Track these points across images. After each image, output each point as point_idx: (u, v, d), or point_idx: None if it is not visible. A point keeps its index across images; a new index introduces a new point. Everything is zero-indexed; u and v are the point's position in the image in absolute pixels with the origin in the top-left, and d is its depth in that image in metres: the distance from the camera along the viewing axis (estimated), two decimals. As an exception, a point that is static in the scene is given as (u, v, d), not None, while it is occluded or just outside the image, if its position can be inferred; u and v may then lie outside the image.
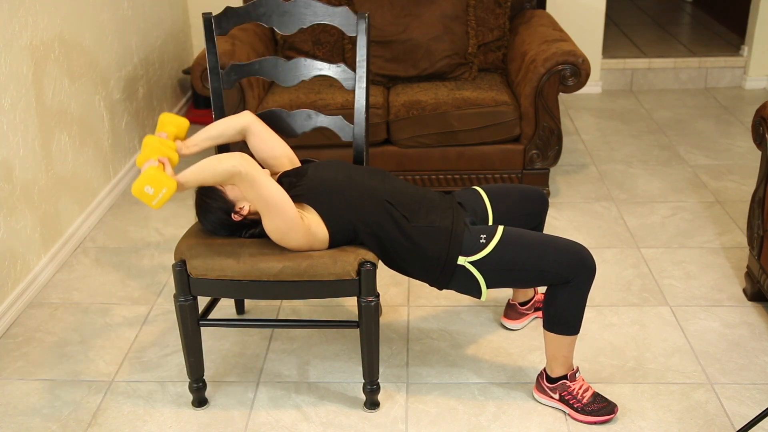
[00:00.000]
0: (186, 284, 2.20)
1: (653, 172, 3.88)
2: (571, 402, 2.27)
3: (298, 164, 2.42)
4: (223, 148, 2.54)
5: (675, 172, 3.87)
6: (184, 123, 2.30)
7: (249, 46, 3.51)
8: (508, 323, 2.69)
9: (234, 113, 3.27)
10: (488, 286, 2.19)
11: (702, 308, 2.79)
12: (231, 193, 2.17)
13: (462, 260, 2.16)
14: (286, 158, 2.39)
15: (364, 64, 2.45)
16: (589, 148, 4.18)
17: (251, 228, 2.23)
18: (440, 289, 2.26)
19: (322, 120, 2.51)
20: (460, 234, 2.18)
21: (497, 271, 2.16)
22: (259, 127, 2.36)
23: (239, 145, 2.51)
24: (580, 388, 2.28)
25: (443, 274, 2.20)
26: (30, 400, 2.39)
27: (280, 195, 2.06)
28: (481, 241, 2.17)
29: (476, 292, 2.20)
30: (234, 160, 2.00)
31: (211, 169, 2.02)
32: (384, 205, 2.19)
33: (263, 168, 2.26)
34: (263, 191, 2.03)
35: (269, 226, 2.11)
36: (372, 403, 2.33)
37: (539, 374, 2.34)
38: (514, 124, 3.39)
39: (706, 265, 3.06)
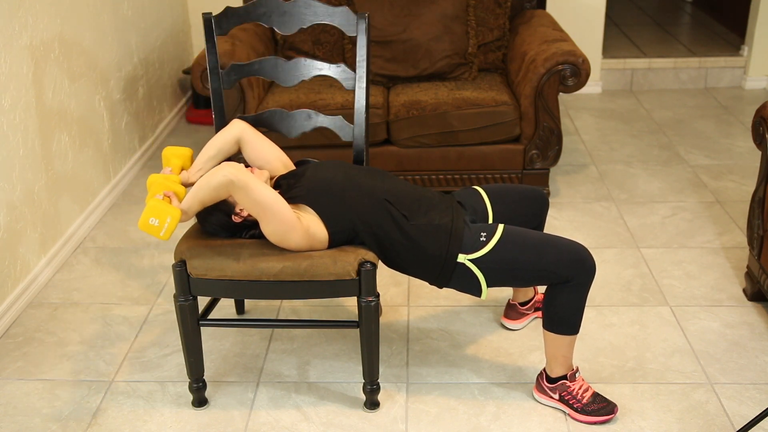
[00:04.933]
0: (186, 284, 2.20)
1: (653, 172, 3.88)
2: (571, 402, 2.27)
3: (292, 167, 2.42)
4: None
5: (675, 172, 3.87)
6: (187, 153, 2.33)
7: (249, 46, 3.51)
8: (508, 323, 2.69)
9: (234, 113, 3.30)
10: (488, 285, 2.19)
11: (702, 308, 2.79)
12: (230, 194, 2.18)
13: (462, 258, 2.16)
14: (280, 162, 2.39)
15: (364, 64, 2.45)
16: (589, 148, 4.18)
17: (251, 229, 2.23)
18: (440, 287, 2.26)
19: (322, 120, 2.51)
20: (460, 232, 2.18)
21: (497, 270, 2.16)
22: (250, 134, 2.37)
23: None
24: (580, 388, 2.28)
25: (443, 272, 2.20)
26: (30, 400, 2.39)
27: (274, 198, 2.06)
28: (481, 239, 2.17)
29: (476, 291, 2.20)
30: (224, 170, 2.02)
31: (206, 187, 2.05)
32: (383, 204, 2.19)
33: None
34: (257, 196, 2.04)
35: (267, 229, 2.11)
36: (372, 403, 2.33)
37: (539, 374, 2.34)
38: (514, 124, 3.39)
39: (706, 265, 3.06)
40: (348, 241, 2.20)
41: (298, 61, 2.47)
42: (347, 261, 2.15)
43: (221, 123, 2.52)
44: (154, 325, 2.75)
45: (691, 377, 2.44)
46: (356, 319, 2.33)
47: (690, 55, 5.13)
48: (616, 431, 2.23)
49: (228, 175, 2.01)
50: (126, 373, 2.51)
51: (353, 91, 2.48)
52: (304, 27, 2.46)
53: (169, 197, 2.10)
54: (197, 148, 4.22)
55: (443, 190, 3.40)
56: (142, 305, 2.87)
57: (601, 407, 2.26)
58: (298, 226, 2.11)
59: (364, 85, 2.46)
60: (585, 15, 4.81)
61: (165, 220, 2.03)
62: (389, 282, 2.98)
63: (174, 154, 2.31)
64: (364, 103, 2.47)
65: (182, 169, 2.31)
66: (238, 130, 2.36)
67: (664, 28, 5.98)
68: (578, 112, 4.72)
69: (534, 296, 2.70)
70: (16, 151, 2.81)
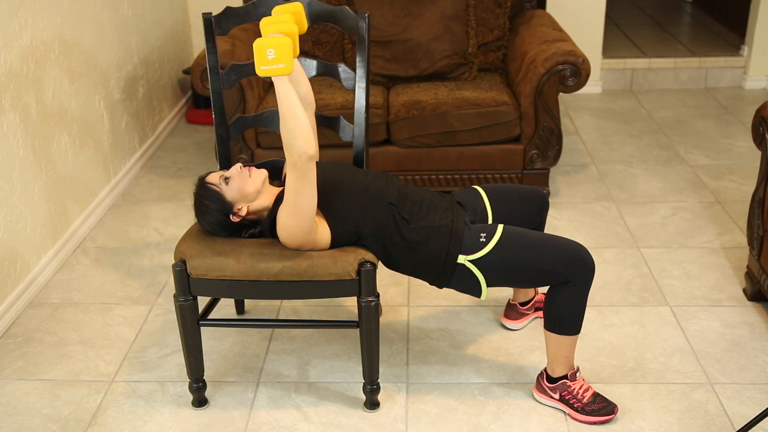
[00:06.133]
0: (186, 284, 2.20)
1: (653, 172, 3.88)
2: (571, 402, 2.27)
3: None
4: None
5: (675, 172, 3.87)
6: (304, 27, 2.18)
7: (249, 46, 3.51)
8: (509, 323, 2.69)
9: (234, 113, 3.30)
10: (488, 285, 2.19)
11: (702, 308, 2.79)
12: (228, 194, 2.17)
13: (462, 259, 2.17)
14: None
15: (364, 64, 2.45)
16: (589, 148, 4.18)
17: (250, 228, 2.23)
18: (440, 287, 2.26)
19: (322, 120, 2.51)
20: (460, 232, 2.18)
21: (497, 270, 2.16)
22: (313, 118, 2.39)
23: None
24: (580, 388, 2.28)
25: (443, 273, 2.20)
26: (30, 400, 2.39)
27: (311, 205, 2.05)
28: (481, 239, 2.17)
29: (476, 291, 2.20)
30: (307, 152, 1.96)
31: (296, 126, 1.96)
32: (388, 207, 2.19)
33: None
34: (302, 193, 2.02)
35: (283, 219, 2.10)
36: (372, 403, 2.33)
37: (539, 374, 2.34)
38: (514, 124, 3.39)
39: (706, 265, 3.06)
40: (349, 243, 2.21)
41: (298, 61, 2.47)
42: (347, 261, 2.15)
43: (221, 123, 2.52)
44: (154, 325, 2.75)
45: (691, 377, 2.44)
46: (356, 319, 2.33)
47: (690, 55, 5.13)
48: (616, 431, 2.23)
49: (302, 158, 1.96)
50: (126, 373, 2.51)
51: (353, 91, 2.48)
52: (304, 27, 2.46)
53: (291, 47, 1.97)
54: (198, 148, 4.23)
55: (443, 190, 3.40)
56: (142, 305, 2.87)
57: (602, 407, 2.26)
58: (309, 234, 2.11)
59: (364, 85, 2.46)
60: (585, 15, 4.81)
61: (279, 63, 1.90)
62: (389, 282, 2.98)
63: (301, 18, 2.14)
64: (364, 103, 2.47)
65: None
66: (313, 104, 2.37)
67: (664, 28, 5.98)
68: (578, 112, 4.71)
69: (534, 296, 2.70)
70: (16, 151, 2.81)
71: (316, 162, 2.37)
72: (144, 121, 4.07)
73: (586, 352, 2.56)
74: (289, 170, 2.02)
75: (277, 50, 1.91)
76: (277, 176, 2.47)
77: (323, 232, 2.16)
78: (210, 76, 2.49)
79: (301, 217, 2.06)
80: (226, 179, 2.18)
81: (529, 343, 2.62)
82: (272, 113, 2.51)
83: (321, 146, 3.34)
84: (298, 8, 2.16)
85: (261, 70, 1.94)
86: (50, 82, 3.06)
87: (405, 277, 3.00)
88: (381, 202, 2.19)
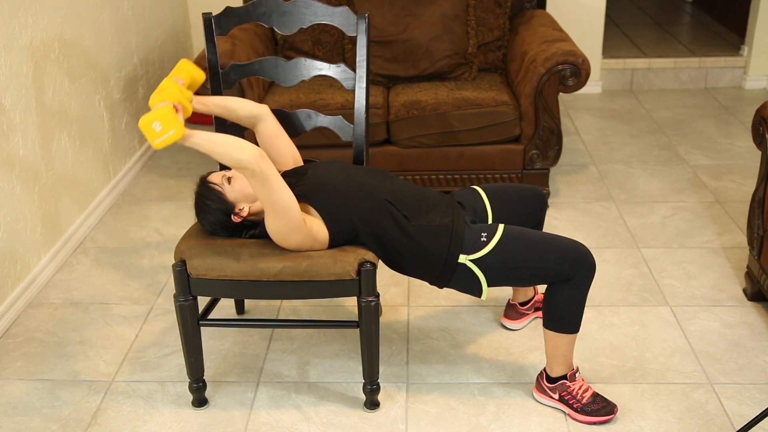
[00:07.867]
0: (186, 284, 2.20)
1: (653, 172, 3.88)
2: (570, 402, 2.27)
3: (301, 164, 2.42)
4: (232, 130, 2.50)
5: (675, 172, 3.87)
6: (200, 77, 2.25)
7: (249, 46, 3.51)
8: (509, 323, 2.69)
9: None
10: (489, 285, 2.19)
11: (702, 308, 2.79)
12: (230, 194, 2.17)
13: (463, 258, 2.17)
14: (291, 158, 2.39)
15: (364, 64, 2.45)
16: (589, 148, 4.18)
17: (251, 229, 2.23)
18: (440, 287, 2.26)
19: (322, 120, 2.51)
20: (460, 232, 2.18)
21: (498, 269, 2.16)
22: (272, 121, 2.37)
23: (249, 133, 2.50)
24: (579, 388, 2.28)
25: (444, 273, 2.20)
26: (30, 400, 2.39)
27: (288, 198, 2.05)
28: (482, 239, 2.17)
29: (477, 291, 2.20)
30: (254, 155, 1.97)
31: (229, 150, 1.97)
32: (384, 204, 2.19)
33: None
34: (273, 192, 2.03)
35: (272, 225, 2.11)
36: (372, 403, 2.33)
37: (539, 374, 2.34)
38: (514, 124, 3.39)
39: (706, 265, 3.06)
40: (348, 241, 2.21)
41: (298, 61, 2.47)
42: (347, 261, 2.15)
43: (221, 123, 2.52)
44: (154, 325, 2.75)
45: (691, 377, 2.44)
46: (356, 319, 2.33)
47: (690, 55, 5.13)
48: (616, 431, 2.23)
49: (254, 164, 1.96)
50: (126, 373, 2.51)
51: (353, 91, 2.48)
52: (304, 27, 2.46)
53: (176, 109, 2.03)
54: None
55: (443, 190, 3.40)
56: (142, 305, 2.87)
57: (601, 407, 2.26)
58: (303, 228, 2.11)
59: (364, 85, 2.46)
60: (585, 15, 4.81)
61: (168, 131, 1.95)
62: (389, 282, 2.98)
63: (189, 72, 2.21)
64: (364, 103, 2.47)
65: (189, 89, 2.22)
66: (263, 111, 2.35)
67: (664, 28, 5.98)
68: (578, 112, 4.72)
69: (534, 296, 2.70)
70: (16, 151, 2.81)
71: (316, 162, 2.37)
72: (144, 121, 4.07)
73: (586, 352, 2.56)
74: (251, 181, 2.02)
75: (160, 120, 1.95)
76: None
77: (318, 228, 2.15)
78: (210, 76, 2.49)
79: (286, 214, 2.06)
80: (229, 179, 2.18)
81: (529, 343, 2.62)
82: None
83: (321, 146, 3.35)
84: (181, 65, 2.22)
85: (156, 143, 1.97)
86: (50, 82, 3.06)
87: (405, 277, 3.00)
88: (376, 199, 2.19)
